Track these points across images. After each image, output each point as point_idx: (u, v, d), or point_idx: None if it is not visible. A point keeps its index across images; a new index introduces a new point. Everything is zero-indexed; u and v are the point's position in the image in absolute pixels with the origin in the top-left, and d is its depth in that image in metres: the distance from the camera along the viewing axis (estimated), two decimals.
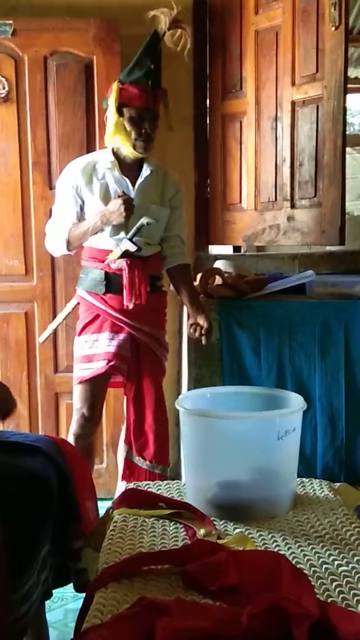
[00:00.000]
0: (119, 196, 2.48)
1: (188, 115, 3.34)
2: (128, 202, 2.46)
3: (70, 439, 2.58)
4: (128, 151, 2.54)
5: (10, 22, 3.04)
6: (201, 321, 2.55)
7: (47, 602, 1.90)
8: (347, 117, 2.95)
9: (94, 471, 2.78)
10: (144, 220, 2.50)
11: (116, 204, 2.47)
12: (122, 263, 2.51)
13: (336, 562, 1.34)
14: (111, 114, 2.50)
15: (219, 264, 2.95)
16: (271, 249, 3.83)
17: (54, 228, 2.65)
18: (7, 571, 1.46)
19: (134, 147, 2.52)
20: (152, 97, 2.47)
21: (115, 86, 2.51)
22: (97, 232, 2.55)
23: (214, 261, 3.11)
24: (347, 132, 2.98)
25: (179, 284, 2.69)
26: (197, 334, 2.55)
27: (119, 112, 2.49)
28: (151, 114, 2.49)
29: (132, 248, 2.49)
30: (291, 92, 3.07)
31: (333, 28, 2.83)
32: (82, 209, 2.59)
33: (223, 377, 2.68)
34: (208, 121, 3.42)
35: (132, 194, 2.55)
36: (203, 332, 2.54)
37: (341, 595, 1.21)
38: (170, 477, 2.69)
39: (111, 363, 2.55)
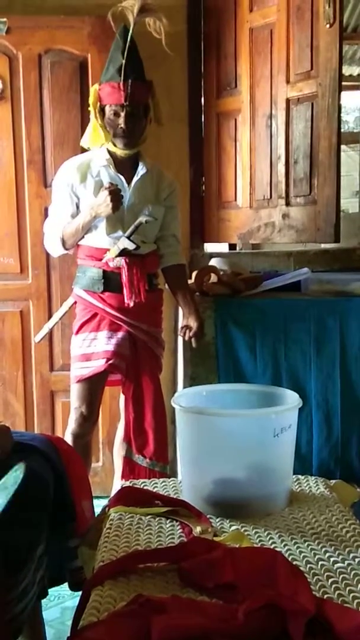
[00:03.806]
0: (106, 188, 2.47)
1: (183, 113, 3.33)
2: (115, 193, 2.45)
3: (68, 438, 2.58)
4: (113, 149, 2.54)
5: (5, 19, 3.03)
6: (191, 323, 2.57)
7: (43, 601, 1.89)
8: (342, 114, 2.96)
9: (90, 469, 2.78)
10: (142, 218, 2.50)
11: (103, 196, 2.46)
12: (121, 261, 2.51)
13: (332, 559, 1.34)
14: (92, 117, 2.53)
15: (214, 262, 2.95)
16: (266, 247, 3.84)
17: (50, 228, 2.65)
18: (3, 570, 1.46)
19: (115, 145, 2.53)
20: (125, 92, 2.44)
21: (93, 89, 2.53)
22: (90, 228, 2.54)
23: (209, 259, 3.11)
24: (342, 130, 2.98)
25: (173, 284, 2.69)
26: (187, 337, 2.57)
27: (102, 112, 2.51)
28: (128, 109, 2.46)
29: (131, 246, 2.48)
30: (286, 89, 3.07)
31: (327, 25, 2.83)
32: (78, 207, 2.58)
33: (219, 374, 2.68)
34: (203, 119, 3.42)
35: (127, 192, 2.55)
36: (191, 334, 2.55)
37: (337, 592, 1.21)
38: (167, 475, 2.69)
39: (110, 361, 2.55)
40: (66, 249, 2.63)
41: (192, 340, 2.57)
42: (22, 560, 1.58)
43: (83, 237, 2.58)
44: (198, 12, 3.32)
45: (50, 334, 3.07)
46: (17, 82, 3.09)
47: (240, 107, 3.28)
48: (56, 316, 2.84)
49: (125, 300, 2.51)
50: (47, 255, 3.05)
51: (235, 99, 3.31)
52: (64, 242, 2.59)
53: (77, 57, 3.09)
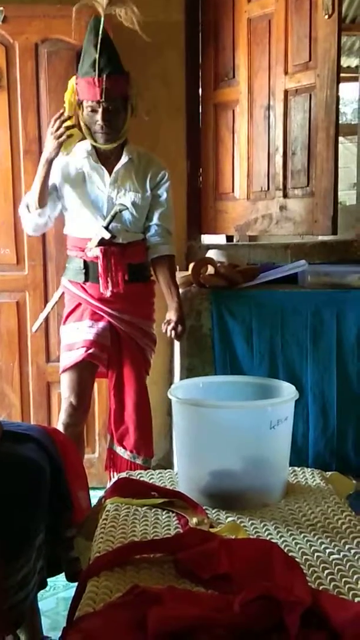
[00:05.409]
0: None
1: (180, 104, 3.32)
2: (61, 122, 2.39)
3: (60, 428, 2.57)
4: (94, 144, 2.52)
5: (1, 8, 3.01)
6: (172, 316, 2.55)
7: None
8: (340, 106, 2.95)
9: (86, 460, 2.79)
10: (116, 207, 2.50)
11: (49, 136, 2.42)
12: (97, 251, 2.50)
13: (328, 550, 1.34)
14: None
15: (211, 254, 2.95)
16: (263, 239, 3.84)
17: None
18: (1, 554, 1.46)
19: (95, 141, 2.51)
20: (100, 88, 2.40)
21: (70, 83, 2.50)
22: (74, 217, 2.54)
23: (206, 251, 3.10)
24: (340, 122, 2.97)
25: (157, 276, 2.65)
26: (168, 333, 2.54)
27: (79, 107, 2.49)
28: (104, 105, 2.43)
29: (107, 235, 2.49)
30: (284, 80, 3.05)
31: (326, 16, 2.82)
32: (56, 189, 2.57)
33: (215, 366, 2.68)
34: (200, 110, 3.41)
35: (107, 183, 2.54)
36: (170, 328, 2.53)
37: (333, 583, 1.21)
38: (163, 466, 2.70)
39: (89, 351, 2.53)
40: (31, 213, 2.57)
41: (172, 333, 2.54)
42: (20, 546, 1.59)
43: (63, 212, 2.58)
44: (196, 2, 3.31)
45: (46, 324, 3.07)
46: (13, 72, 3.07)
47: (238, 98, 3.27)
48: (49, 305, 2.86)
49: (100, 290, 2.51)
50: (44, 246, 3.05)
51: (233, 90, 3.29)
52: (28, 206, 2.57)
53: (74, 46, 3.06)
